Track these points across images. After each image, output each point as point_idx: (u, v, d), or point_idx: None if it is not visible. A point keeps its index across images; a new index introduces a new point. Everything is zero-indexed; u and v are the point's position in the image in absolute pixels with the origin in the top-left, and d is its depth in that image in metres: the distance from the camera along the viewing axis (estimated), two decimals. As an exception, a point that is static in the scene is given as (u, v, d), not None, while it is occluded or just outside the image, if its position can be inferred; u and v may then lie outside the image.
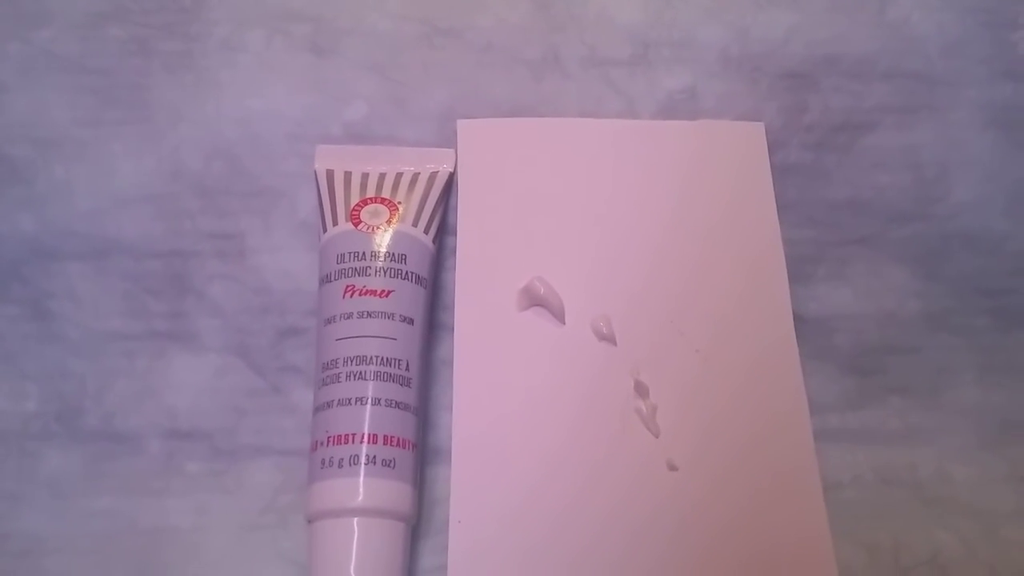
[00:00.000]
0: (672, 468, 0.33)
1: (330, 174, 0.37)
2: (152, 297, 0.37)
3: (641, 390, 0.34)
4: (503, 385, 0.34)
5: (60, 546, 0.34)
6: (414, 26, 0.39)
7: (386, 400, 0.32)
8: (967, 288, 0.38)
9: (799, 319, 0.36)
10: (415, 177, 0.37)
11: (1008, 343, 0.38)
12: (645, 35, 0.39)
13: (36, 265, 0.37)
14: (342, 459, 0.31)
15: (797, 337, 0.35)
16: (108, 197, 0.37)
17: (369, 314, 0.33)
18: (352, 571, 0.30)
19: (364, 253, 0.34)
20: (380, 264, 0.34)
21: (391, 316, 0.33)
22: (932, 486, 0.35)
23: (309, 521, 0.31)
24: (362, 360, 0.33)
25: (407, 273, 0.34)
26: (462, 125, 0.38)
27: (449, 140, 0.38)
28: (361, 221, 0.35)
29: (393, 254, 0.34)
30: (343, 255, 0.34)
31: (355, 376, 0.32)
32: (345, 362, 0.33)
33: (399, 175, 0.37)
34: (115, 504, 0.34)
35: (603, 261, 0.36)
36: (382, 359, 0.33)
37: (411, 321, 0.34)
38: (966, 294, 0.38)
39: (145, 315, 0.37)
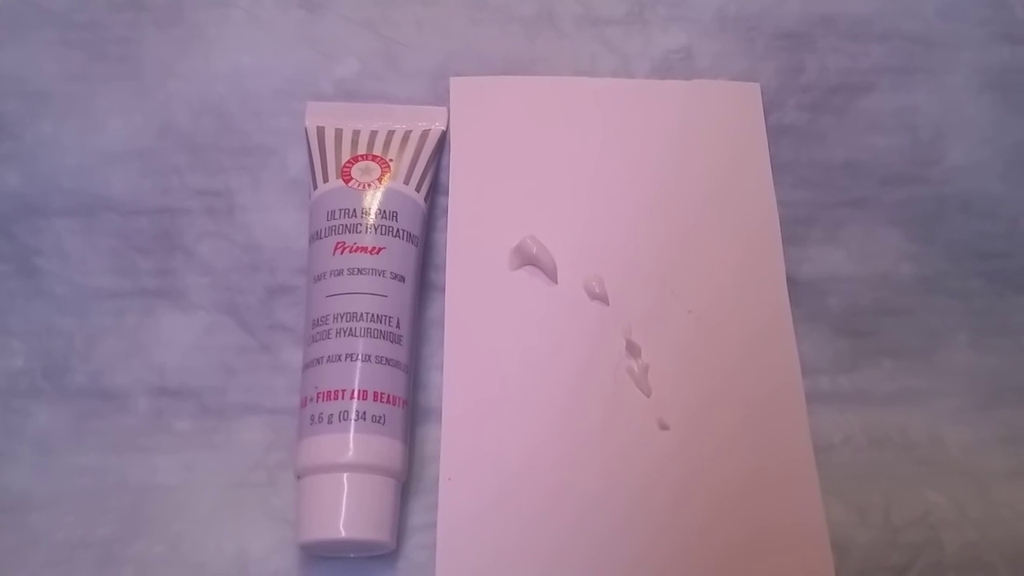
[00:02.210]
0: (663, 427, 0.33)
1: (321, 131, 0.36)
2: (140, 254, 0.36)
3: (633, 350, 0.34)
4: (494, 344, 0.34)
5: (46, 502, 0.33)
6: (407, -19, 0.38)
7: (376, 357, 0.32)
8: (961, 251, 0.38)
9: (792, 281, 0.36)
10: (407, 135, 0.36)
11: (1001, 306, 0.37)
12: (641, -7, 0.39)
13: (23, 221, 0.37)
14: (332, 415, 0.31)
15: (790, 299, 0.35)
16: (96, 153, 0.37)
17: (360, 271, 0.33)
18: (341, 527, 0.30)
19: (355, 210, 0.34)
20: (371, 221, 0.34)
21: (382, 273, 0.33)
22: (924, 448, 0.35)
23: (298, 477, 0.31)
24: (352, 317, 0.32)
25: (398, 230, 0.34)
26: (455, 83, 0.38)
27: (442, 98, 0.37)
28: (352, 178, 0.35)
29: (384, 211, 0.34)
30: (333, 212, 0.34)
31: (345, 333, 0.32)
32: (335, 319, 0.32)
33: (391, 133, 0.36)
34: (102, 461, 0.34)
35: (596, 220, 0.36)
36: (372, 316, 0.32)
37: (402, 279, 0.33)
38: (960, 257, 0.38)
39: (133, 272, 0.36)
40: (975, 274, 0.37)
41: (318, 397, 0.31)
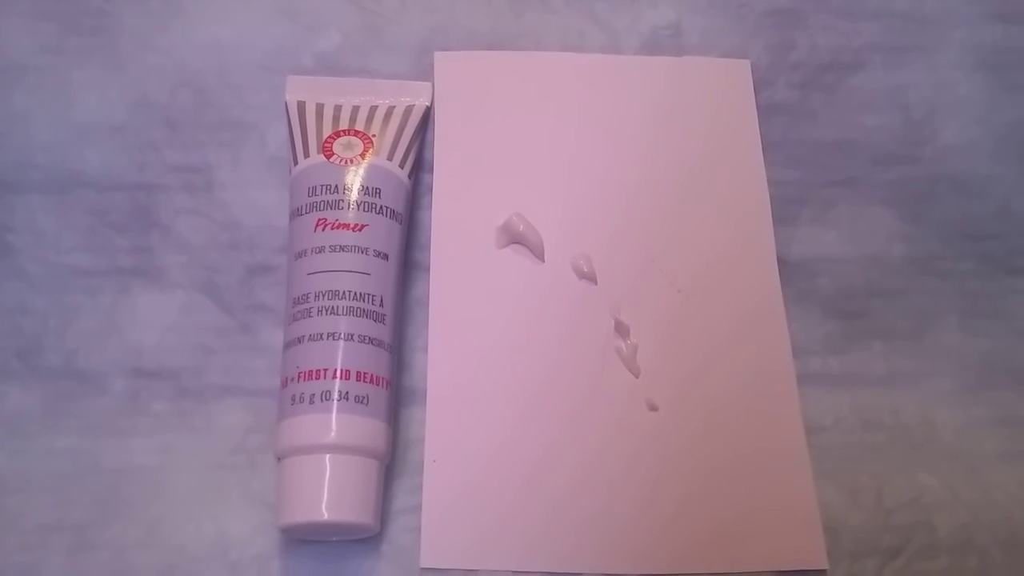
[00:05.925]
0: (652, 408, 0.32)
1: (301, 106, 0.35)
2: (116, 232, 0.36)
3: (621, 329, 0.33)
4: (480, 323, 0.33)
5: (21, 485, 0.33)
6: (391, -47, 0.38)
7: (359, 336, 0.31)
8: (953, 232, 0.37)
9: (782, 262, 0.35)
10: (390, 110, 0.36)
11: (993, 288, 0.37)
12: (630, -32, 0.38)
13: (-5, 198, 0.36)
14: (313, 395, 0.30)
15: (780, 280, 0.35)
16: (70, 128, 0.36)
17: (342, 248, 0.32)
18: (324, 509, 0.29)
19: (337, 186, 0.33)
20: (353, 197, 0.33)
21: (364, 251, 0.32)
22: (915, 429, 0.35)
23: (279, 458, 0.30)
24: (334, 295, 0.31)
25: (381, 207, 0.33)
26: (440, 57, 0.37)
27: (426, 73, 0.37)
28: (334, 153, 0.34)
29: (367, 188, 0.33)
30: (315, 188, 0.33)
31: (327, 311, 0.31)
32: (316, 297, 0.31)
33: (373, 108, 0.35)
34: (77, 443, 0.33)
35: (584, 198, 0.35)
36: (355, 294, 0.32)
37: (385, 256, 0.33)
38: (952, 238, 0.37)
39: (109, 250, 0.35)
40: (967, 255, 0.37)
41: (299, 377, 0.31)
